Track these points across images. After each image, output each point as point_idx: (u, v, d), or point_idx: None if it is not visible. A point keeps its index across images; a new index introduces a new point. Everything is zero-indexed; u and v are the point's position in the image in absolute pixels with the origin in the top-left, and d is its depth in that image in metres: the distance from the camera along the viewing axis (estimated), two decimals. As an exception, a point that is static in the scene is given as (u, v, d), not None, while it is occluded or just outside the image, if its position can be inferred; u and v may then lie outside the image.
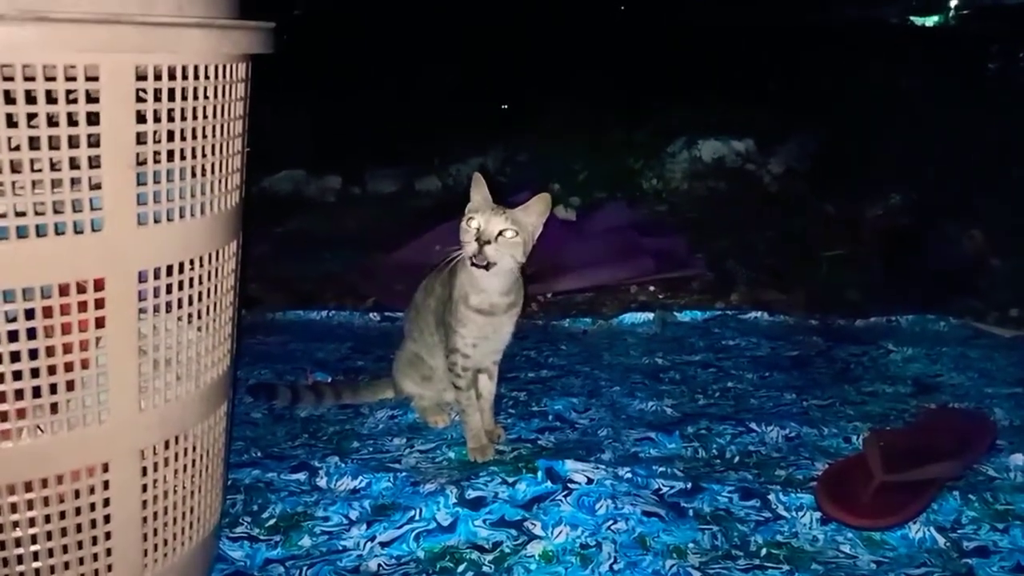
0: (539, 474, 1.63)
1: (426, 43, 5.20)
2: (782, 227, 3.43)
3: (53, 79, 0.92)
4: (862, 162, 3.88)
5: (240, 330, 1.38)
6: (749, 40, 5.51)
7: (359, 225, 3.86)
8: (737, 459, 1.76)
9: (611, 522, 1.49)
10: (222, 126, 1.13)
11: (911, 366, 2.26)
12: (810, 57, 5.14)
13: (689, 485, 1.62)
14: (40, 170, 0.94)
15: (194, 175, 1.10)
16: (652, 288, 2.98)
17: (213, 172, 1.13)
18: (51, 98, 0.92)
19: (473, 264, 1.60)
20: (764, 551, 1.45)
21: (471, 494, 1.58)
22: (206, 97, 1.07)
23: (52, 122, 0.93)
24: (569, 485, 1.59)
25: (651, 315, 2.66)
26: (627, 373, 2.22)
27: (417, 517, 1.53)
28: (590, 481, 1.60)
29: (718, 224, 3.51)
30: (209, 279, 1.17)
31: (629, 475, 1.64)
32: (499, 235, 1.59)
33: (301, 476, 1.68)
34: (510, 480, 1.62)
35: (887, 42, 5.92)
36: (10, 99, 0.90)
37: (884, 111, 4.28)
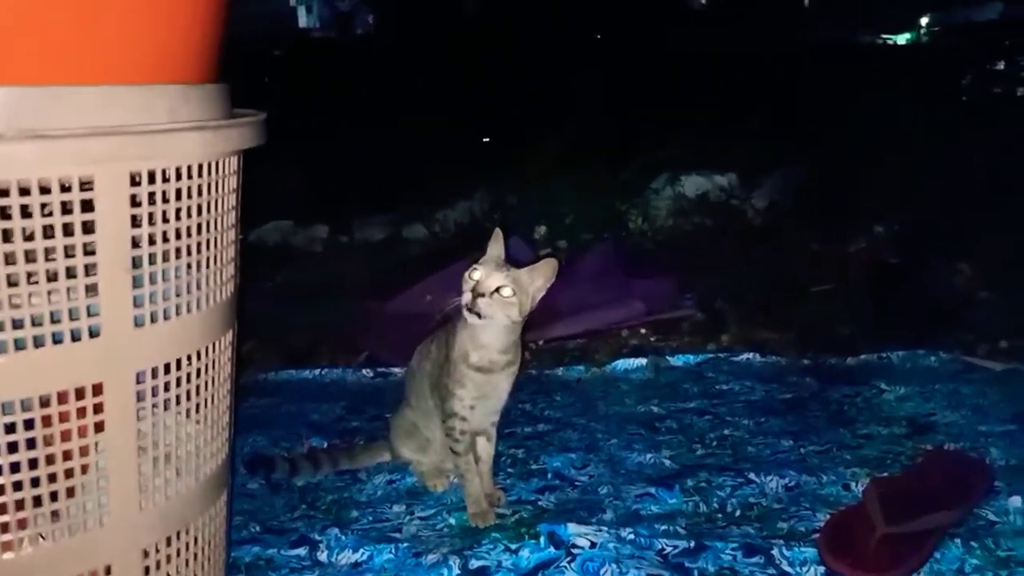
0: (542, 540, 1.62)
1: (408, 88, 5.24)
2: (769, 263, 3.45)
3: (48, 191, 0.93)
4: (845, 193, 3.92)
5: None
6: (725, 69, 5.58)
7: (348, 275, 3.85)
8: (738, 512, 1.76)
9: (616, 587, 1.49)
10: (216, 220, 1.13)
11: (905, 405, 2.27)
12: (786, 84, 5.21)
13: (692, 544, 1.61)
14: (36, 282, 0.94)
15: (190, 271, 1.10)
16: (643, 331, 2.98)
17: (209, 266, 1.14)
18: (46, 211, 0.93)
19: (467, 309, 1.61)
20: (771, 611, 1.44)
21: (474, 564, 1.57)
22: (200, 195, 1.08)
23: (48, 234, 0.94)
24: (572, 550, 1.58)
25: (644, 361, 2.66)
26: (623, 423, 2.22)
27: (421, 591, 1.52)
28: (593, 545, 1.59)
29: (705, 262, 3.53)
30: (207, 371, 1.17)
31: (632, 536, 1.63)
32: (496, 291, 1.61)
33: (302, 551, 1.67)
34: (513, 547, 1.61)
35: (863, 64, 6.01)
36: (5, 215, 0.91)
37: (864, 138, 4.33)
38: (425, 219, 4.36)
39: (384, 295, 3.32)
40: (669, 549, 1.60)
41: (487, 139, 5.45)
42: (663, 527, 1.68)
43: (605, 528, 1.65)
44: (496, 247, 1.69)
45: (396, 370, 2.65)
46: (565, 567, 1.54)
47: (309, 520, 1.79)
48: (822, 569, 1.54)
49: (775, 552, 1.58)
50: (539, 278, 1.66)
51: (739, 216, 4.19)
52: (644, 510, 1.78)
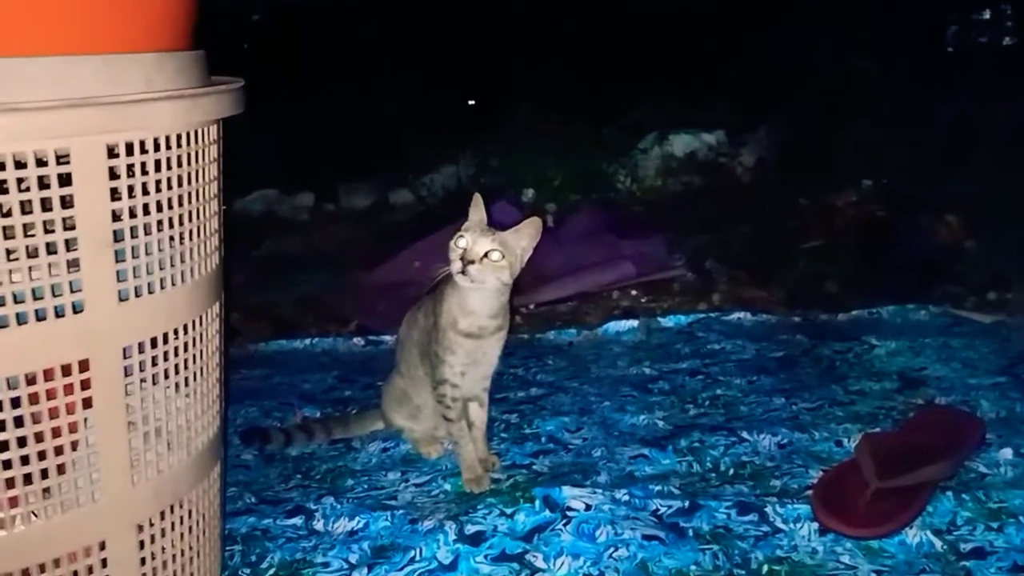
0: (537, 503, 1.63)
1: (387, 51, 5.16)
2: (757, 221, 3.45)
3: (24, 166, 0.90)
4: (832, 148, 3.90)
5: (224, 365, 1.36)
6: (709, 25, 5.51)
7: (335, 243, 3.83)
8: (732, 471, 1.77)
9: (612, 549, 1.49)
10: (197, 191, 1.11)
11: (895, 360, 2.28)
12: (771, 38, 5.16)
13: (687, 503, 1.62)
14: (17, 259, 0.92)
15: (173, 244, 1.08)
16: (634, 292, 2.98)
17: (192, 238, 1.12)
18: (23, 186, 0.90)
19: (460, 273, 1.60)
20: (766, 568, 1.45)
21: (470, 529, 1.58)
22: (179, 166, 1.06)
23: (26, 210, 0.92)
24: (568, 513, 1.59)
25: (635, 322, 2.66)
26: (616, 386, 2.22)
27: (418, 557, 1.52)
28: (588, 507, 1.60)
29: (694, 221, 3.52)
30: (195, 344, 1.16)
31: (627, 497, 1.64)
32: (484, 256, 1.60)
33: (298, 520, 1.66)
34: (508, 511, 1.62)
35: (847, 16, 5.95)
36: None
37: (850, 93, 4.30)
38: (411, 184, 4.32)
39: (372, 263, 3.29)
40: (664, 509, 1.61)
41: (472, 102, 5.39)
42: (657, 487, 1.69)
43: (600, 490, 1.65)
44: (478, 212, 1.67)
45: (387, 338, 2.64)
46: (561, 530, 1.55)
47: (304, 490, 1.79)
48: (816, 525, 1.55)
49: (768, 510, 1.60)
50: (524, 238, 1.65)
51: (727, 174, 4.17)
52: (638, 471, 1.78)
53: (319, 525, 1.65)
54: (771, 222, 3.42)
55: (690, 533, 1.54)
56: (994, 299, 2.69)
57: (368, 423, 2.04)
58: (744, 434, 1.90)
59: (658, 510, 1.61)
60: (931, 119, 3.94)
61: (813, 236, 3.27)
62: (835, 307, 2.70)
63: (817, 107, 4.23)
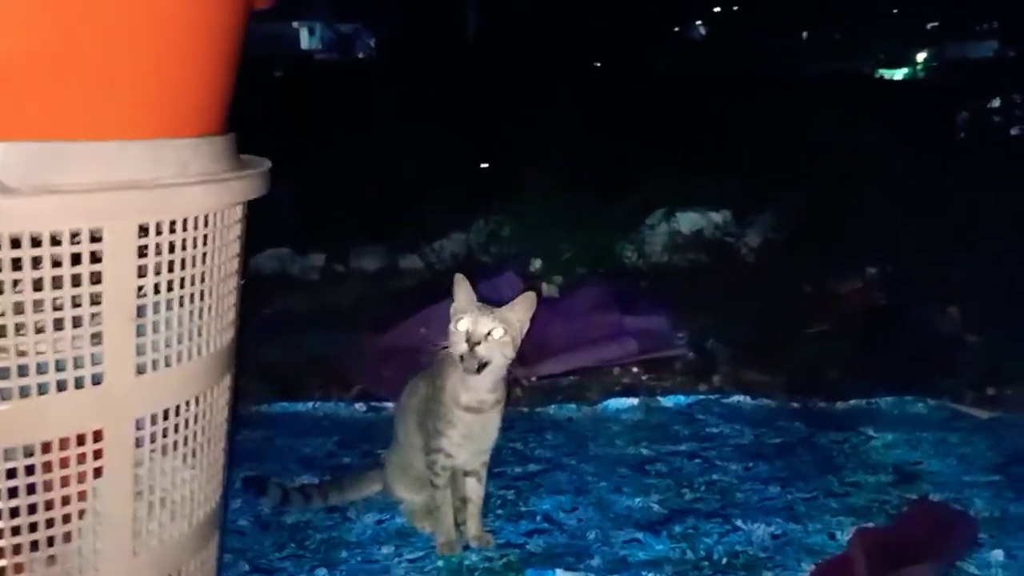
0: (529, 585, 1.64)
1: (403, 116, 5.29)
2: (761, 303, 3.48)
3: (59, 243, 0.95)
4: (838, 232, 3.96)
5: None
6: (721, 106, 5.64)
7: (343, 304, 3.87)
8: (725, 560, 1.77)
9: (602, 636, 1.50)
10: (219, 268, 1.16)
11: (892, 452, 2.29)
12: (782, 118, 5.27)
13: (678, 592, 1.63)
14: (43, 330, 0.97)
15: (192, 318, 1.12)
16: (635, 370, 3.00)
17: (211, 312, 1.16)
18: (56, 262, 0.95)
19: (465, 369, 1.64)
20: (754, 663, 1.46)
21: (462, 609, 1.59)
22: (205, 244, 1.11)
23: (56, 284, 0.96)
24: (559, 596, 1.60)
25: (635, 400, 2.68)
26: (613, 465, 2.23)
27: (409, 634, 1.53)
28: (580, 591, 1.61)
29: (698, 300, 3.56)
30: (204, 416, 1.19)
31: (618, 583, 1.65)
32: (488, 335, 1.64)
33: (291, 592, 1.68)
34: (501, 591, 1.63)
35: (858, 99, 6.08)
36: (17, 266, 0.93)
37: (858, 175, 4.39)
38: (420, 250, 4.39)
39: (379, 326, 3.33)
40: (655, 597, 1.62)
41: (485, 164, 5.49)
42: (649, 575, 1.69)
43: (592, 575, 1.66)
44: (466, 292, 1.72)
45: (389, 404, 2.64)
46: (552, 613, 1.56)
47: (298, 559, 1.80)
48: (806, 620, 1.55)
49: (760, 602, 1.60)
50: (521, 312, 1.70)
51: (733, 253, 4.23)
52: (631, 556, 1.79)
53: (311, 599, 1.66)
54: (774, 305, 3.46)
55: (680, 623, 1.55)
56: (992, 394, 2.70)
57: (363, 487, 2.05)
58: (739, 522, 1.91)
59: (649, 598, 1.62)
60: (938, 207, 4.00)
61: (815, 321, 3.30)
62: (834, 395, 2.71)
63: (824, 191, 4.32)
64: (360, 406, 2.73)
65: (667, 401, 2.69)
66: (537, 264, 4.04)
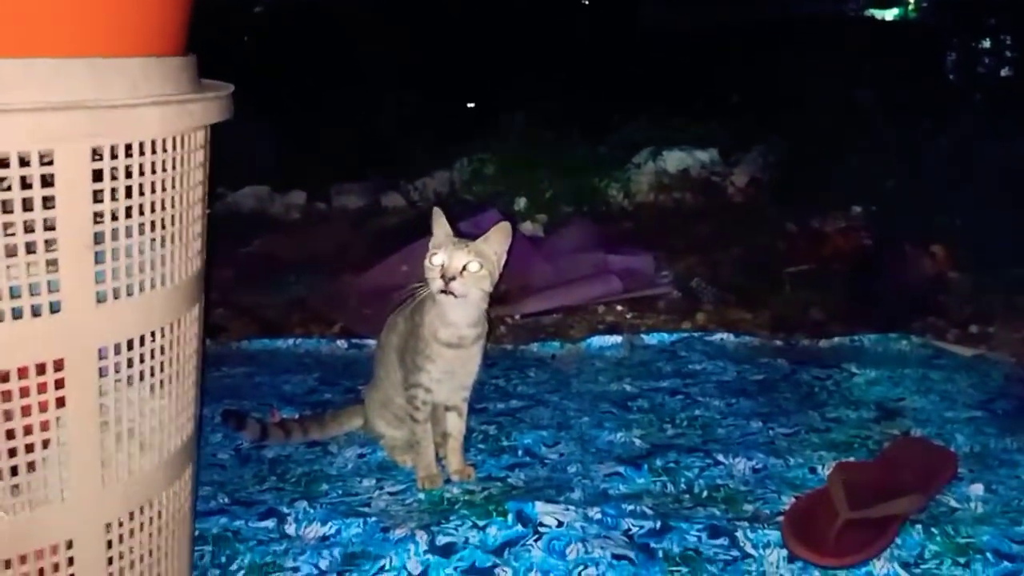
0: (509, 517, 1.63)
1: (388, 54, 5.17)
2: (746, 242, 3.47)
3: (6, 165, 0.91)
4: (824, 171, 3.92)
5: (205, 363, 1.36)
6: (706, 41, 5.54)
7: (325, 244, 3.82)
8: (705, 494, 1.78)
9: (581, 567, 1.50)
10: (182, 196, 1.11)
11: (874, 389, 2.29)
12: (770, 58, 5.19)
13: (658, 524, 1.62)
14: (-4, 256, 0.93)
15: (154, 247, 1.08)
16: (619, 308, 2.99)
17: (174, 241, 1.12)
18: (5, 185, 0.91)
19: (441, 291, 1.61)
20: (733, 593, 1.46)
21: (441, 540, 1.58)
22: (164, 170, 1.06)
23: (6, 209, 0.92)
24: (539, 529, 1.59)
25: (619, 338, 2.67)
26: (596, 402, 2.23)
27: (388, 566, 1.52)
28: (560, 524, 1.60)
29: (684, 239, 3.54)
30: (172, 348, 1.16)
31: (599, 516, 1.64)
32: (464, 269, 1.61)
33: (269, 523, 1.66)
34: (480, 524, 1.62)
35: (847, 39, 5.98)
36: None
37: (846, 115, 4.34)
38: (403, 188, 4.33)
39: (361, 265, 3.29)
40: (635, 529, 1.62)
41: (471, 105, 5.40)
42: (630, 507, 1.69)
43: (573, 507, 1.66)
44: (442, 226, 1.69)
45: (371, 341, 2.62)
46: (531, 545, 1.56)
47: (278, 492, 1.79)
48: (785, 552, 1.56)
49: (739, 534, 1.60)
50: (496, 244, 1.68)
51: (719, 193, 4.20)
52: (612, 489, 1.79)
53: (291, 529, 1.65)
54: (759, 244, 3.45)
55: (660, 554, 1.55)
56: (976, 333, 2.71)
57: (344, 423, 2.04)
58: (720, 456, 1.91)
59: (629, 530, 1.62)
60: (925, 149, 3.97)
61: (800, 261, 3.29)
62: (818, 333, 2.72)
63: (812, 131, 4.27)
64: (342, 343, 2.72)
65: (651, 339, 2.68)
66: (521, 203, 3.99)
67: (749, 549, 1.57)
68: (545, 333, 2.80)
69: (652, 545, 1.58)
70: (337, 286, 3.20)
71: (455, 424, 1.84)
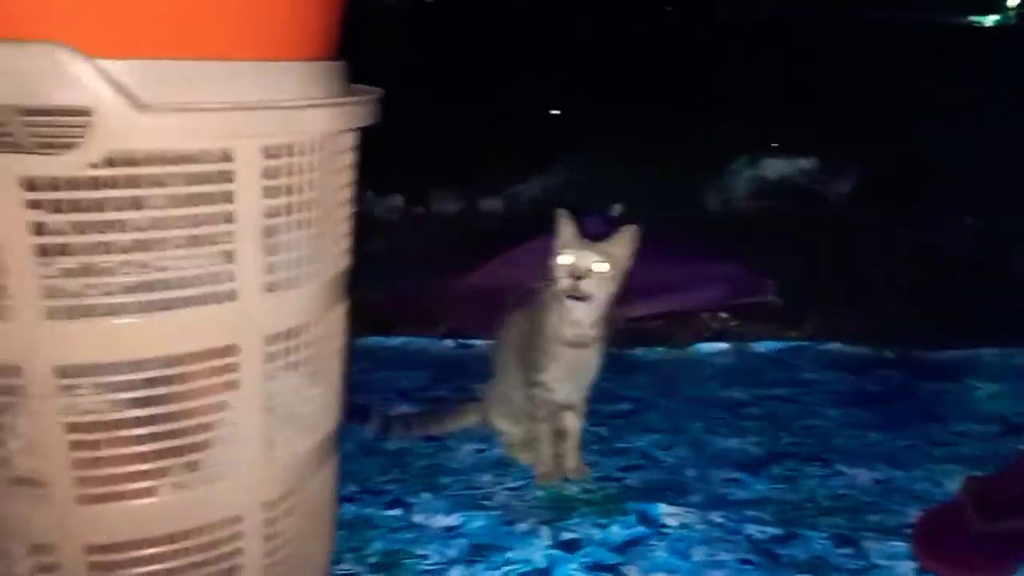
0: (631, 517, 1.65)
1: (485, 59, 5.24)
2: (853, 251, 3.40)
3: (193, 162, 0.97)
4: (932, 180, 3.82)
5: None
6: (809, 48, 5.44)
7: (424, 247, 3.90)
8: (827, 503, 1.75)
9: (707, 569, 1.50)
10: (335, 194, 1.17)
11: (997, 403, 2.23)
12: (875, 67, 5.08)
13: (782, 531, 1.62)
14: (180, 247, 0.99)
15: (313, 242, 1.14)
16: (723, 315, 2.96)
17: (327, 237, 1.17)
18: (190, 181, 0.97)
19: (569, 296, 1.64)
20: (863, 602, 1.45)
21: (565, 536, 1.61)
22: (323, 169, 1.12)
23: (192, 202, 0.98)
24: (662, 530, 1.61)
25: (726, 345, 2.65)
26: (706, 407, 2.22)
27: (514, 559, 1.55)
28: (683, 525, 1.61)
29: (787, 247, 3.48)
30: (326, 338, 1.22)
31: (721, 519, 1.65)
32: (591, 269, 1.63)
33: (397, 512, 1.72)
34: (602, 522, 1.64)
35: (950, 46, 5.80)
36: (153, 183, 0.95)
37: (953, 123, 4.21)
38: (500, 192, 4.38)
39: (461, 268, 3.34)
40: (758, 535, 1.61)
41: (556, 111, 5.42)
42: (751, 512, 1.69)
43: (694, 510, 1.66)
44: (568, 228, 1.70)
45: (478, 343, 2.68)
46: (655, 545, 1.57)
47: (402, 483, 1.84)
48: (913, 564, 1.53)
49: (866, 544, 1.59)
50: (624, 246, 1.69)
51: (821, 201, 4.12)
52: (731, 495, 1.78)
53: (418, 519, 1.70)
54: (867, 254, 3.37)
55: (785, 560, 1.54)
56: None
57: (462, 418, 2.07)
58: (840, 466, 1.89)
59: (752, 535, 1.61)
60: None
61: (911, 271, 3.21)
62: (931, 345, 2.64)
63: (919, 138, 4.16)
64: (449, 343, 2.76)
65: (759, 346, 2.65)
66: (618, 209, 4.00)
67: (876, 559, 1.55)
68: (650, 338, 2.79)
69: (776, 551, 1.57)
70: (441, 288, 3.26)
71: (572, 423, 1.86)
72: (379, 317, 3.06)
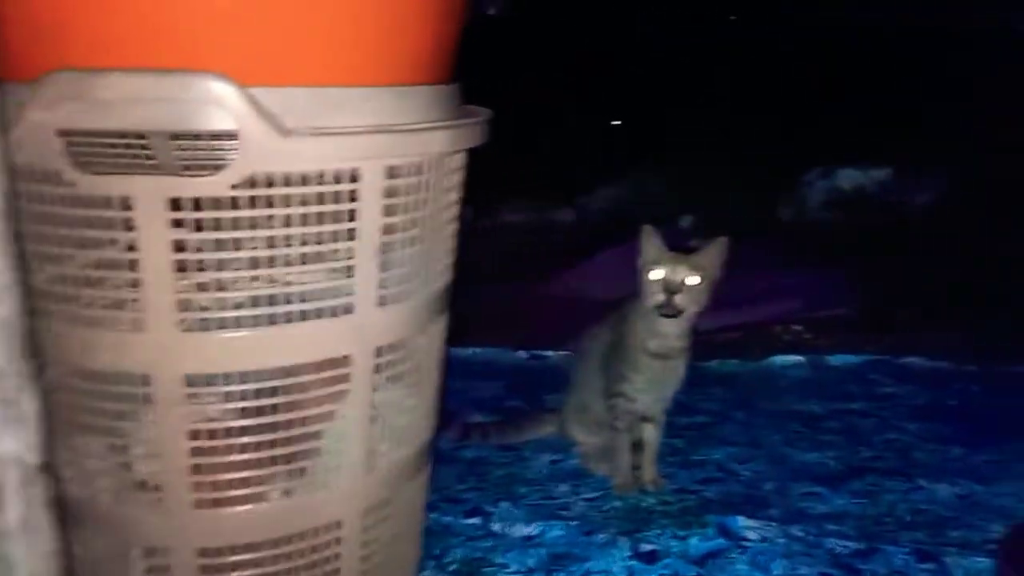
0: (710, 529, 1.67)
1: (558, 69, 5.27)
2: (931, 263, 3.34)
3: (324, 182, 1.03)
4: (1013, 192, 3.74)
5: None
6: (882, 54, 5.34)
7: (494, 258, 3.95)
8: (908, 518, 1.75)
9: (789, 582, 1.52)
10: (443, 212, 1.23)
11: (1085, 421, 2.18)
12: (949, 71, 4.96)
13: (863, 545, 1.62)
14: (306, 262, 1.06)
15: (422, 257, 1.19)
16: (797, 327, 2.95)
17: (433, 254, 1.23)
18: (321, 200, 1.03)
19: (663, 315, 1.66)
20: (947, 618, 1.44)
21: (644, 547, 1.63)
22: (436, 187, 1.17)
23: (320, 221, 1.04)
24: (742, 543, 1.62)
25: (801, 358, 2.64)
26: (783, 421, 2.22)
27: (593, 569, 1.59)
28: (763, 539, 1.63)
29: (864, 259, 3.45)
30: (427, 351, 1.27)
31: (801, 533, 1.65)
32: (684, 283, 1.65)
33: (476, 521, 1.76)
34: (681, 534, 1.66)
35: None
36: (289, 203, 1.02)
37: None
38: (569, 205, 4.41)
39: (531, 279, 3.39)
40: (839, 549, 1.62)
41: (619, 122, 5.42)
42: (832, 527, 1.69)
43: (774, 523, 1.68)
44: (654, 242, 1.72)
45: (550, 353, 2.72)
46: (735, 558, 1.58)
47: (480, 492, 1.88)
48: (999, 581, 1.52)
49: (948, 560, 1.58)
50: (714, 257, 1.70)
51: (897, 212, 4.06)
52: (811, 509, 1.79)
53: (497, 527, 1.74)
54: (945, 265, 3.32)
55: (866, 575, 1.55)
56: None
57: (538, 428, 2.12)
58: (921, 481, 1.88)
59: (833, 549, 1.62)
60: None
61: (989, 283, 3.15)
62: (1013, 359, 2.60)
63: (995, 143, 4.06)
64: (522, 354, 2.80)
65: (835, 360, 2.64)
66: (688, 221, 4.00)
67: (959, 575, 1.54)
68: (724, 350, 2.80)
69: (858, 566, 1.57)
70: (512, 299, 3.31)
71: (651, 434, 1.88)
72: (452, 327, 3.13)
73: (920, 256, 3.38)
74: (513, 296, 3.37)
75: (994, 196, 3.72)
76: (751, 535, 1.64)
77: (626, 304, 1.80)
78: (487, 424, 2.15)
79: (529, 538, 1.71)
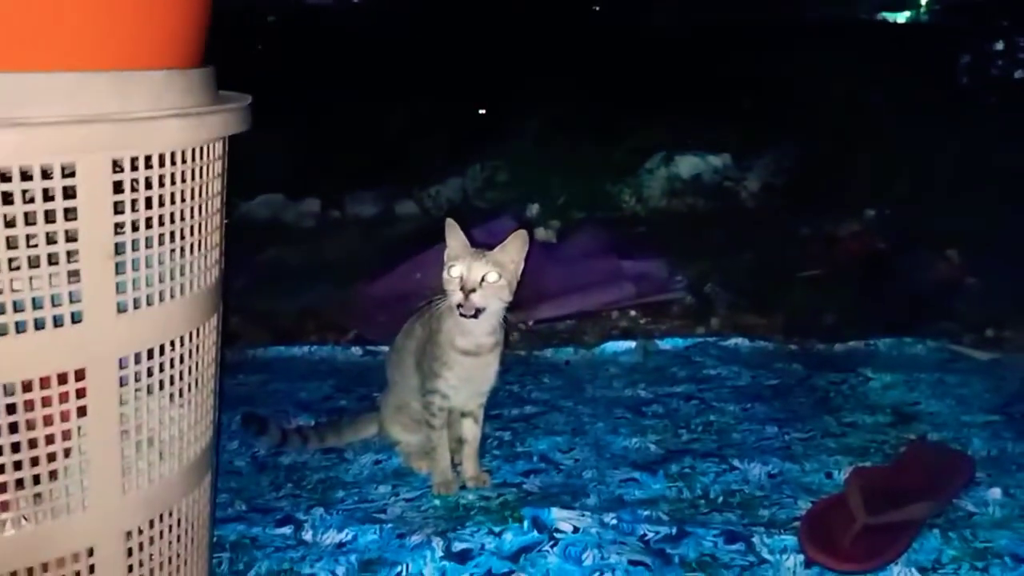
0: (525, 523, 1.64)
1: (398, 61, 5.19)
2: (759, 247, 3.46)
3: (30, 178, 0.92)
4: (837, 176, 3.92)
5: (221, 371, 1.37)
6: (719, 45, 5.52)
7: (339, 251, 3.84)
8: (721, 499, 1.78)
9: (598, 573, 1.50)
10: (200, 206, 1.13)
11: (890, 393, 2.29)
12: (783, 61, 5.17)
13: (674, 530, 1.63)
14: (18, 268, 0.94)
15: (173, 257, 1.10)
16: (633, 313, 2.99)
17: (193, 251, 1.13)
18: (28, 198, 0.92)
19: (461, 315, 1.62)
20: (749, 599, 1.46)
21: (457, 546, 1.59)
22: (183, 181, 1.07)
23: (29, 221, 0.93)
24: (555, 535, 1.60)
25: (633, 343, 2.67)
26: (610, 407, 2.23)
27: (404, 573, 1.53)
28: (576, 530, 1.61)
29: (697, 244, 3.53)
30: (191, 356, 1.17)
31: (615, 522, 1.64)
32: (482, 280, 1.61)
33: (287, 530, 1.68)
34: (496, 530, 1.63)
35: (860, 42, 5.95)
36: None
37: (859, 119, 4.32)
38: (416, 195, 4.34)
39: (373, 273, 3.31)
40: (651, 535, 1.62)
41: (483, 111, 5.40)
42: (646, 512, 1.70)
43: (588, 513, 1.66)
44: (457, 237, 1.68)
45: (385, 348, 2.62)
46: (548, 551, 1.56)
47: (295, 499, 1.80)
48: (802, 558, 1.55)
49: (756, 540, 1.60)
50: (514, 252, 1.67)
51: (732, 198, 4.19)
52: (628, 495, 1.79)
53: (308, 536, 1.66)
54: (773, 249, 3.44)
55: (676, 560, 1.55)
56: (991, 336, 2.70)
57: (360, 429, 2.05)
58: (735, 462, 1.91)
59: (645, 535, 1.62)
60: (938, 152, 3.95)
61: (813, 265, 3.28)
62: (832, 337, 2.71)
63: (824, 135, 4.26)
64: (356, 350, 2.73)
65: (665, 344, 2.68)
66: (534, 209, 4.00)
67: (766, 554, 1.57)
68: (559, 339, 2.81)
69: (668, 551, 1.58)
70: (351, 293, 3.22)
71: (471, 430, 1.84)
72: (287, 326, 3.01)
73: (748, 240, 3.48)
74: (353, 291, 3.27)
75: (817, 178, 3.89)
76: (565, 527, 1.62)
77: (438, 300, 1.74)
78: (306, 428, 2.06)
79: (341, 545, 1.64)
